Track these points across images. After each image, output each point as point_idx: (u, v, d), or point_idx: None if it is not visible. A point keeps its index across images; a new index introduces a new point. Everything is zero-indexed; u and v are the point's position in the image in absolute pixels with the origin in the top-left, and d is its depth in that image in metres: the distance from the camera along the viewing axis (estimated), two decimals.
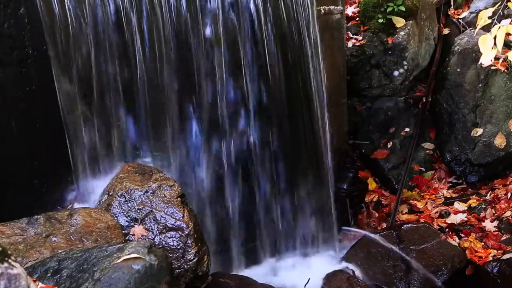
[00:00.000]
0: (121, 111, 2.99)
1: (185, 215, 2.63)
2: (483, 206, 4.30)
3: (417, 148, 4.74)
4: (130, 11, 2.87)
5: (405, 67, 4.72)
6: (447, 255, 3.62)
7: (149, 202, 2.66)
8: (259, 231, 3.59)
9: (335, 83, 4.23)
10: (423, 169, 4.70)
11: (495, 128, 4.51)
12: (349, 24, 4.78)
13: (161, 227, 2.60)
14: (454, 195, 4.52)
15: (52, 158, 2.78)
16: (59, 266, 2.01)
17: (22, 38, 2.57)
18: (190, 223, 2.62)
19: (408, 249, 3.66)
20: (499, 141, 4.46)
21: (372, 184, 4.59)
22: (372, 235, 3.82)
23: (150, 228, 2.60)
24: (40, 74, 2.64)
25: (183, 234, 2.59)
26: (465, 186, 4.58)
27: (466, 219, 4.19)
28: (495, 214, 4.18)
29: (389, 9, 4.66)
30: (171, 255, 2.52)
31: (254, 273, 3.44)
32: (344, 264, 3.69)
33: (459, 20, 5.10)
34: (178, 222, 2.61)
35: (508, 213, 4.12)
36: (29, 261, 2.21)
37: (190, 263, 2.56)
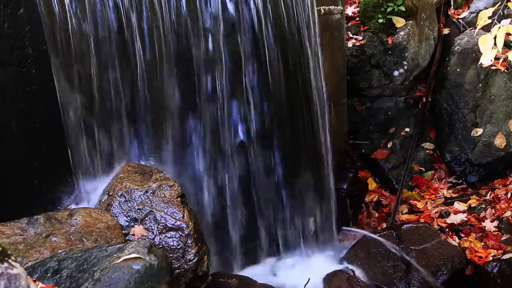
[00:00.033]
0: (121, 111, 2.99)
1: (185, 215, 2.63)
2: (483, 206, 4.29)
3: (417, 148, 4.74)
4: (130, 11, 2.87)
5: (405, 67, 4.72)
6: (447, 255, 3.62)
7: (149, 202, 2.66)
8: (259, 231, 3.59)
9: (335, 83, 4.23)
10: (423, 169, 4.70)
11: (495, 128, 4.51)
12: (349, 24, 4.78)
13: (161, 227, 2.60)
14: (454, 195, 4.52)
15: (52, 158, 2.77)
16: (59, 266, 2.01)
17: (22, 38, 2.57)
18: (190, 223, 2.62)
19: (408, 249, 3.65)
20: (499, 141, 4.46)
21: (372, 184, 4.59)
22: (372, 235, 3.81)
23: (150, 228, 2.60)
24: (40, 74, 2.64)
25: (183, 234, 2.59)
26: (465, 186, 4.58)
27: (466, 219, 4.19)
28: (495, 214, 4.18)
29: (389, 9, 4.66)
30: (171, 255, 2.51)
31: (254, 273, 3.43)
32: (344, 264, 3.68)
33: (459, 20, 5.10)
34: (178, 222, 2.61)
35: (508, 213, 4.11)
36: (29, 261, 2.21)
37: (190, 263, 2.56)
